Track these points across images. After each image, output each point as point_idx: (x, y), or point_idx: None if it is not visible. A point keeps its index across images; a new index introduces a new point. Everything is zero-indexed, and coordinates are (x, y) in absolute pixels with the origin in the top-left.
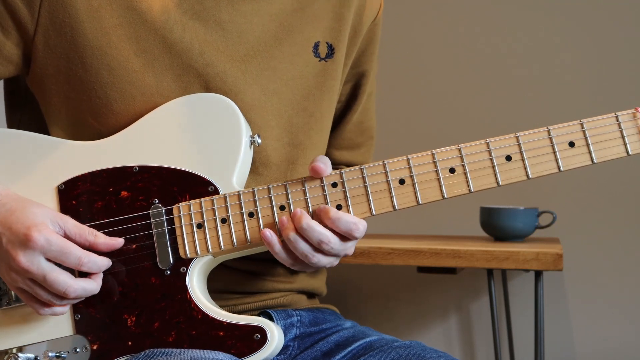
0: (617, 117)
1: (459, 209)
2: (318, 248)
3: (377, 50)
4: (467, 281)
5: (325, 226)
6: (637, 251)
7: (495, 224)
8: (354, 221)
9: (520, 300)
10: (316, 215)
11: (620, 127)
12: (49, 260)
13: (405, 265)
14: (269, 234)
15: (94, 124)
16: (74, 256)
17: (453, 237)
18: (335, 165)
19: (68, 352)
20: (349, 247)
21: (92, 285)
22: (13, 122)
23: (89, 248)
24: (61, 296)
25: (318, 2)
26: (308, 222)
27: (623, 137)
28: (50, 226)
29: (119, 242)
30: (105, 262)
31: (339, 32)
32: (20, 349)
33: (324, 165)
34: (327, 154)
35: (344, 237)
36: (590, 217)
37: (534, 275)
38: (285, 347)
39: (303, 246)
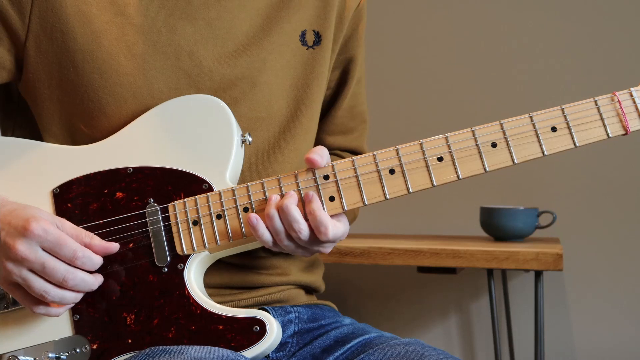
0: (596, 101)
1: (459, 209)
2: (288, 232)
3: (363, 36)
4: (467, 281)
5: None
6: (637, 251)
7: (495, 224)
8: (326, 224)
9: (520, 300)
10: (304, 200)
11: (599, 111)
12: (45, 250)
13: (405, 265)
14: (255, 218)
15: (86, 129)
16: (70, 248)
17: (453, 237)
18: (330, 151)
19: (68, 353)
20: (325, 246)
21: (91, 279)
22: (7, 129)
23: None
24: (59, 285)
25: None
26: (288, 204)
27: (602, 120)
28: (48, 220)
29: (114, 246)
30: (100, 261)
31: (325, 19)
32: (20, 352)
33: (320, 157)
34: (320, 140)
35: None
36: (590, 217)
37: (534, 275)
38: (284, 344)
39: (277, 225)
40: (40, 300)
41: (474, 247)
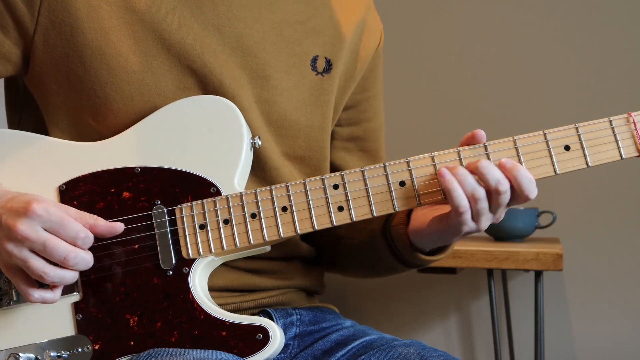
0: (610, 121)
1: None
2: (494, 192)
3: (381, 78)
4: (467, 281)
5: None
6: (637, 251)
7: (495, 224)
8: (499, 178)
9: (520, 300)
10: (502, 166)
11: (614, 132)
12: (46, 230)
13: None
14: (449, 175)
15: (94, 124)
16: (73, 229)
17: None
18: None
19: (69, 352)
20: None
21: (89, 257)
22: (13, 123)
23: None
24: (59, 264)
25: (320, 16)
26: (483, 162)
27: (617, 141)
28: (50, 202)
29: (119, 226)
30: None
31: (339, 49)
32: (21, 349)
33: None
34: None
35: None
36: (590, 217)
37: (534, 275)
38: (285, 346)
39: (477, 189)
40: (36, 286)
41: (474, 247)
